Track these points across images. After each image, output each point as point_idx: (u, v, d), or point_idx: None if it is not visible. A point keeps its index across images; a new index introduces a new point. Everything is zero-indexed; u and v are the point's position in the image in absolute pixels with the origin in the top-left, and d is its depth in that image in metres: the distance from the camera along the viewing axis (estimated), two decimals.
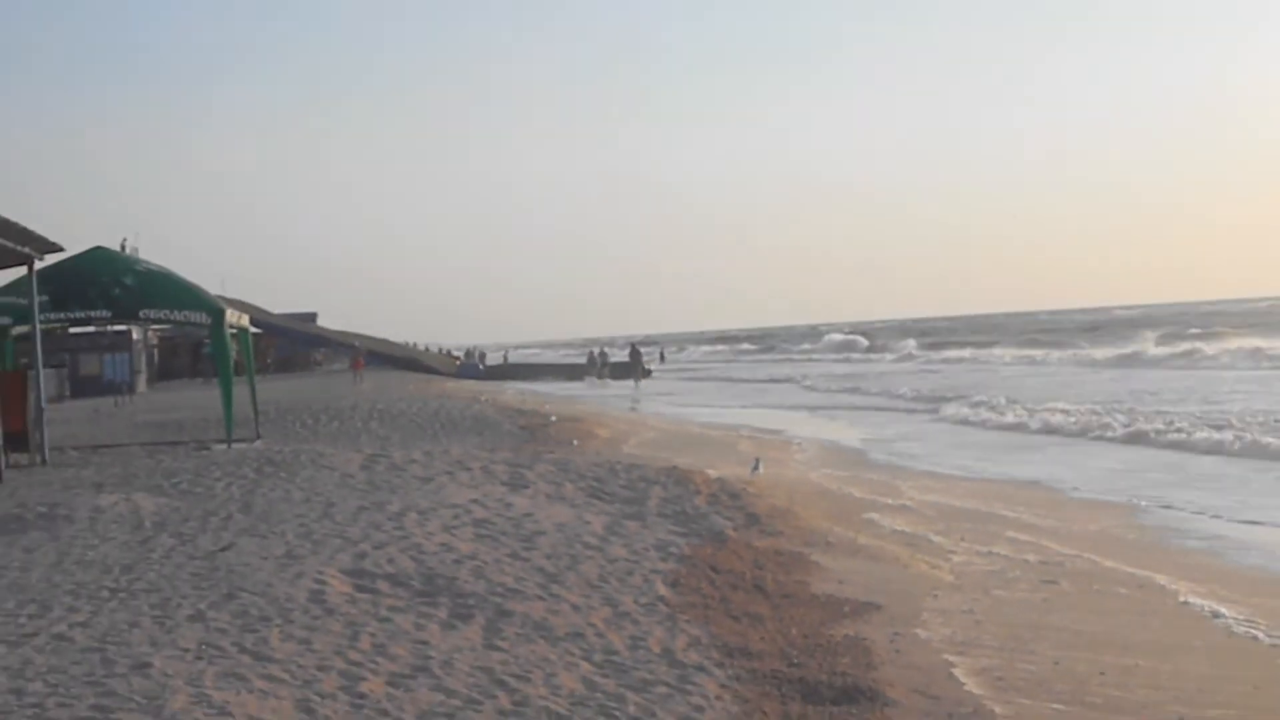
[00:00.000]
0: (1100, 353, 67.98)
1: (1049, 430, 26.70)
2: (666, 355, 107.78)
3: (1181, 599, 9.89)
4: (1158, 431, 23.94)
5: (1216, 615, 9.32)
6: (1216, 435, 22.31)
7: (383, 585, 9.47)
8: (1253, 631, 8.81)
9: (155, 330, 60.78)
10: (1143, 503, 15.56)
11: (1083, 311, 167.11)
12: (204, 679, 7.00)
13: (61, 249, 20.55)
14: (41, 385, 20.92)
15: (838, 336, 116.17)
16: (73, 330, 39.93)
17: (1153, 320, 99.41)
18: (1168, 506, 15.30)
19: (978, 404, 32.74)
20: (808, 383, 56.88)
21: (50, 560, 10.93)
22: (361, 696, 6.77)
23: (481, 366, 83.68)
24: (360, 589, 9.36)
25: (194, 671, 7.14)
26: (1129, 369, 54.29)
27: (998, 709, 7.05)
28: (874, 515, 14.29)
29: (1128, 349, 67.62)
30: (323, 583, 9.49)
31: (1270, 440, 20.86)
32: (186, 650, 7.62)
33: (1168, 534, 13.37)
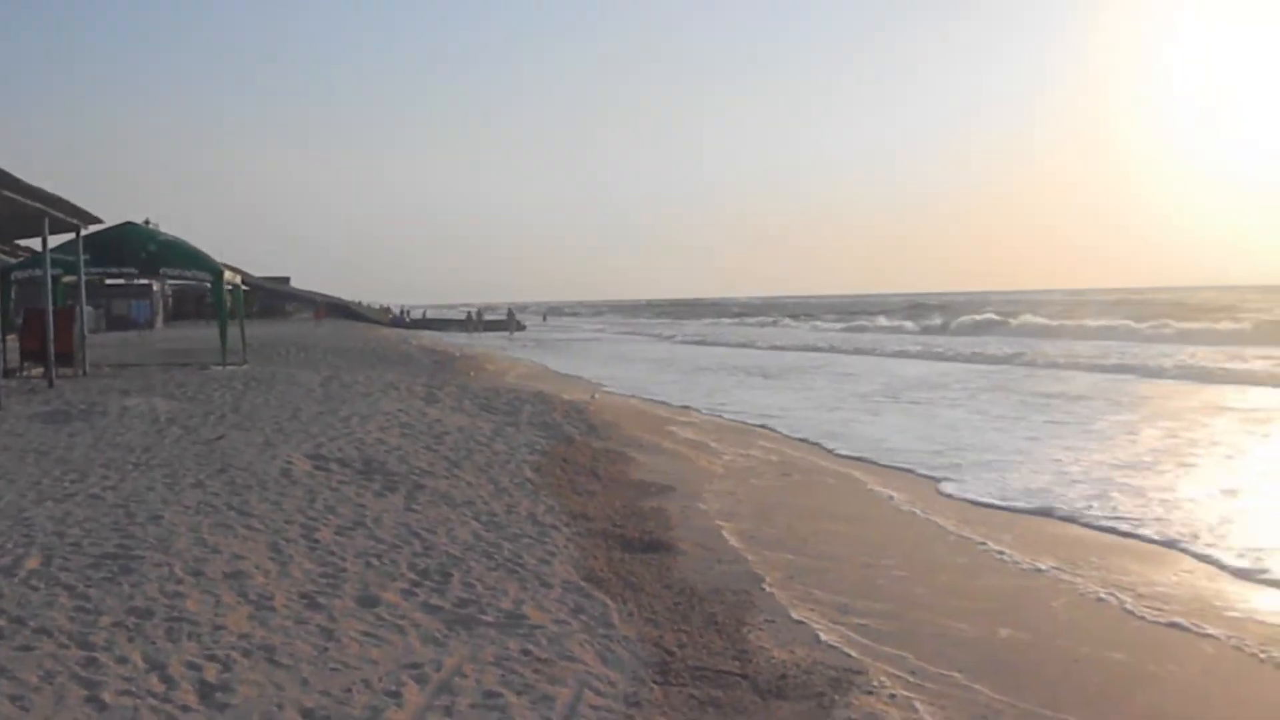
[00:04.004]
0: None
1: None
2: (548, 317, 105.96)
3: (868, 488, 10.14)
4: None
5: (890, 499, 9.59)
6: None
7: (333, 466, 9.23)
8: (913, 509, 9.08)
9: (170, 283, 58.07)
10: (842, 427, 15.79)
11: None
12: (201, 527, 6.75)
13: (101, 221, 19.62)
14: (84, 319, 19.97)
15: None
16: (108, 281, 38.14)
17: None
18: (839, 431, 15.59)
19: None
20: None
21: (88, 442, 10.41)
22: (316, 541, 6.59)
23: (406, 319, 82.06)
24: (317, 468, 9.11)
25: (194, 522, 6.88)
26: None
27: (750, 557, 7.18)
28: (673, 428, 14.40)
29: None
30: (290, 463, 9.22)
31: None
32: (189, 507, 7.34)
33: (860, 448, 13.64)
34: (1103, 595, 6.37)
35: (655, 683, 4.54)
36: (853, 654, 5.20)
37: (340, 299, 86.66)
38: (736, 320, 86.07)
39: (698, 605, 5.82)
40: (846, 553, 7.48)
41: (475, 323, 73.83)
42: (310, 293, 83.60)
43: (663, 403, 18.39)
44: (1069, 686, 4.92)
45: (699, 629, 5.38)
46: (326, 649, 4.68)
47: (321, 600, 5.39)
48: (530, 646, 4.83)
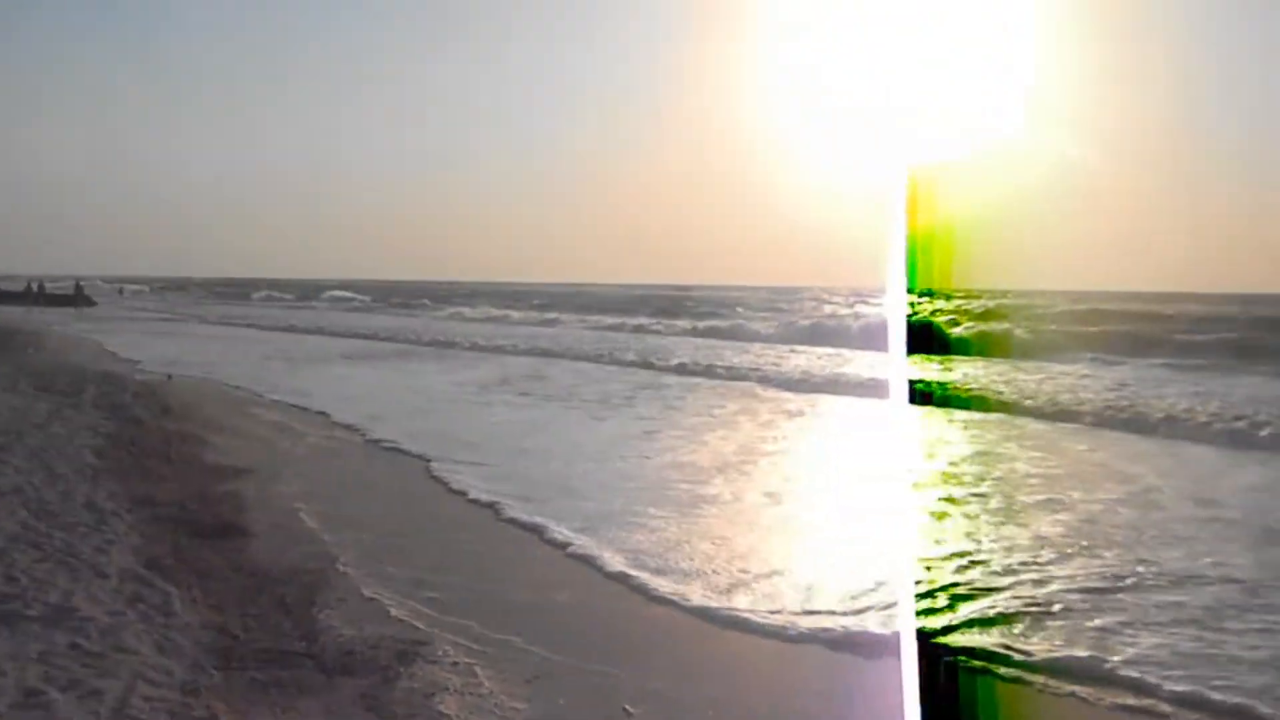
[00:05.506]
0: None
1: None
2: (125, 291, 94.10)
3: (451, 468, 10.26)
4: None
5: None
6: None
7: None
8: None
9: None
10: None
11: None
12: None
13: None
14: None
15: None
16: None
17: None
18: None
19: None
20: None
21: None
22: None
23: None
24: None
25: None
26: None
27: (327, 537, 7.14)
28: (257, 410, 13.72)
29: None
30: None
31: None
32: None
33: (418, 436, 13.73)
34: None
35: (215, 668, 4.45)
36: (420, 626, 5.39)
37: None
38: (301, 303, 79.61)
39: (269, 588, 5.74)
40: (425, 530, 7.68)
41: (36, 295, 65.09)
42: None
43: (243, 387, 17.38)
44: (611, 641, 5.45)
45: (267, 612, 5.31)
46: None
47: None
48: (80, 640, 4.54)
